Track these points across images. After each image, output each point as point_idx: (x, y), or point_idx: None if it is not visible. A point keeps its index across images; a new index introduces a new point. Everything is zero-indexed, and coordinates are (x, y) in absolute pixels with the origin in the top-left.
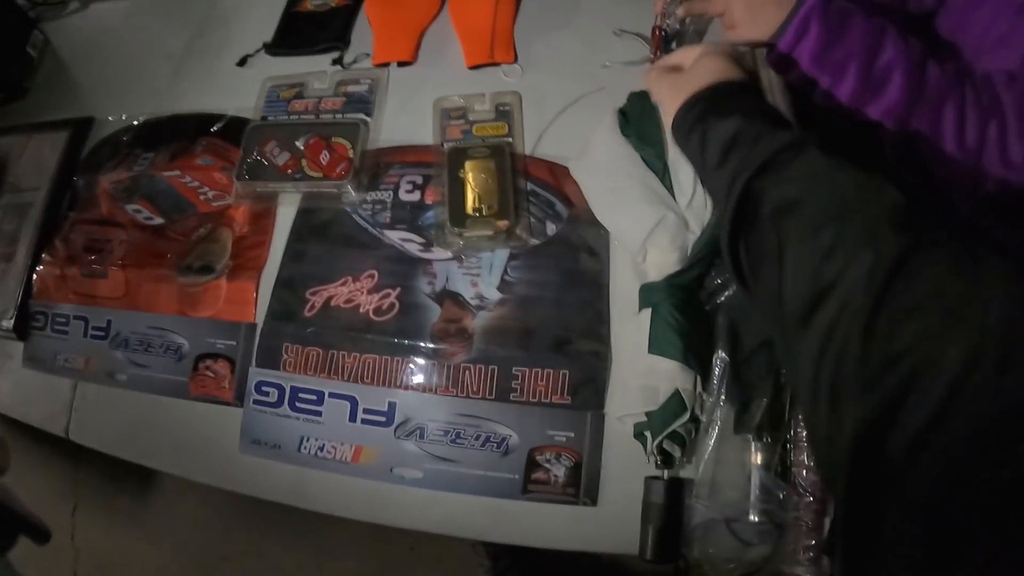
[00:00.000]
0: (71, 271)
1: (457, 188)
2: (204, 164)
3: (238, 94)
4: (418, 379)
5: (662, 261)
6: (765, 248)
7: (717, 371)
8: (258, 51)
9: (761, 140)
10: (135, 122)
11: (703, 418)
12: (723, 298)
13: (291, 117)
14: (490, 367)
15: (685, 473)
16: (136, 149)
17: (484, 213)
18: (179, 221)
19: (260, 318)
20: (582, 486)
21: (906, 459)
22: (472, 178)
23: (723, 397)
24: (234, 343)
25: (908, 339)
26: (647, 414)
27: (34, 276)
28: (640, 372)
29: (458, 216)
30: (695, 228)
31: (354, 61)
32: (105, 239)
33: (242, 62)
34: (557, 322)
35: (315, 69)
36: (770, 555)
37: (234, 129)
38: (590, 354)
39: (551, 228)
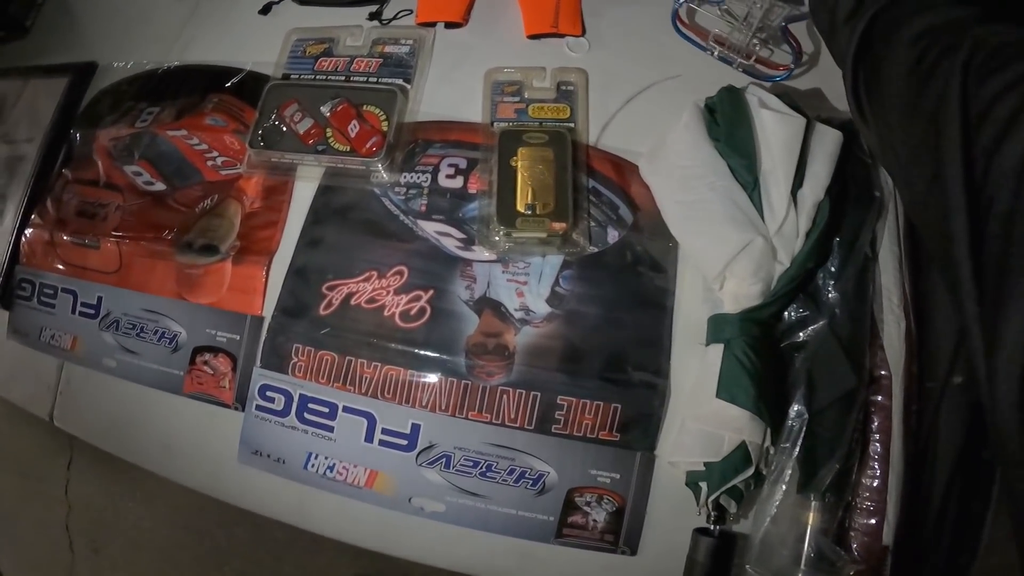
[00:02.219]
0: (60, 237)
1: (508, 179)
2: (214, 125)
3: (258, 46)
4: (447, 399)
5: (741, 292)
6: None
7: (795, 427)
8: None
9: None
10: (141, 71)
11: (766, 473)
12: (801, 337)
13: (317, 77)
14: (532, 393)
15: (736, 528)
16: (140, 103)
17: (537, 212)
18: (182, 189)
19: (268, 311)
20: (623, 533)
21: None
22: (526, 169)
23: (796, 455)
24: (237, 337)
25: None
26: (705, 463)
27: (23, 239)
28: (702, 416)
29: (507, 213)
30: (783, 259)
31: (394, 17)
32: (99, 203)
33: (265, 10)
34: (611, 346)
35: (348, 23)
36: None
37: (251, 87)
38: (645, 387)
39: (612, 235)
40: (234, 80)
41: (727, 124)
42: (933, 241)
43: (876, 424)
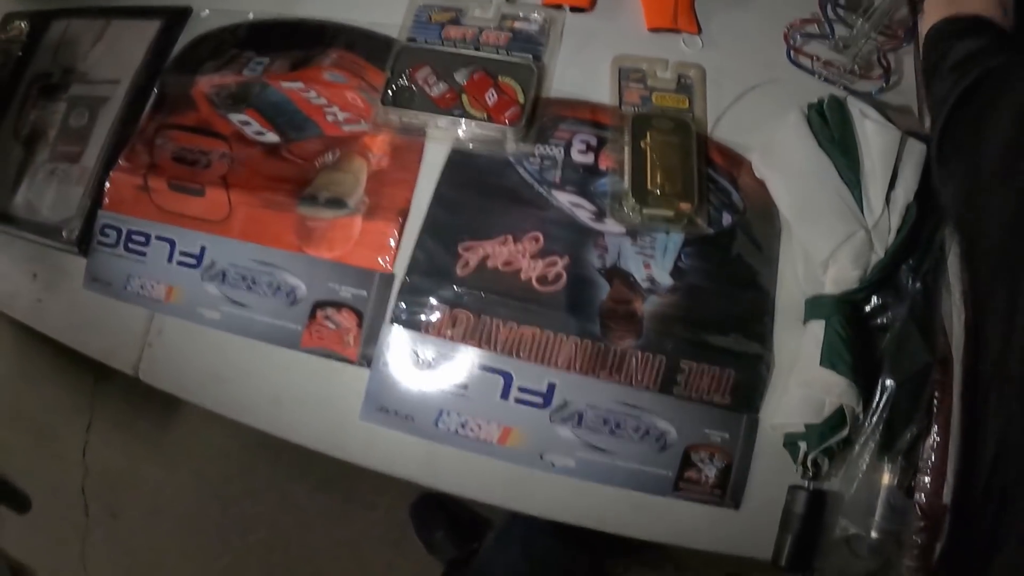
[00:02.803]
0: (156, 182)
1: (639, 160)
2: (333, 80)
3: (377, 6)
4: (581, 360)
5: (842, 276)
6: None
7: (884, 397)
8: None
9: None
10: (246, 20)
11: (854, 436)
12: (885, 319)
13: (445, 43)
14: (658, 357)
15: (828, 486)
16: (246, 51)
17: (666, 191)
18: (298, 141)
19: (399, 268)
20: (729, 488)
21: None
22: (656, 151)
23: (882, 421)
24: (364, 293)
25: None
26: (806, 425)
27: (106, 183)
28: (804, 381)
29: (640, 191)
30: (879, 249)
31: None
32: (201, 151)
33: None
34: (725, 318)
35: None
36: (878, 571)
37: (371, 47)
38: (754, 356)
39: (726, 219)
40: (354, 38)
41: (837, 129)
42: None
43: (939, 399)
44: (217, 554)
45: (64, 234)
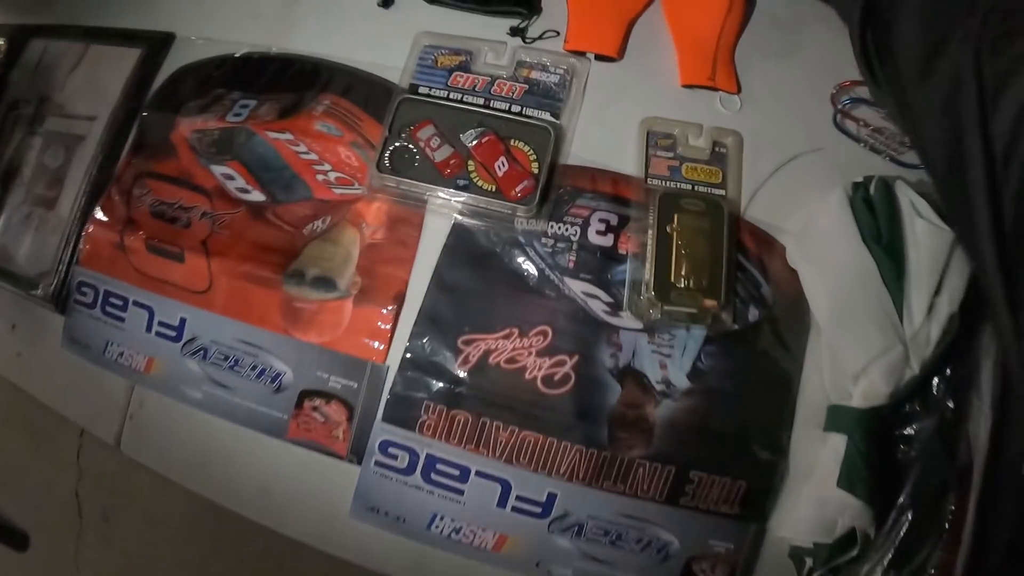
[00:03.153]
0: (133, 241)
1: (664, 247)
2: (326, 132)
3: (378, 44)
4: (585, 469)
5: (872, 391)
6: None
7: (903, 527)
8: None
9: None
10: (235, 54)
11: (867, 557)
12: (909, 430)
13: (451, 94)
14: (667, 468)
15: None
16: (232, 92)
17: (691, 286)
18: (286, 204)
19: (393, 360)
20: None
21: None
22: (683, 238)
23: (895, 545)
24: (354, 385)
25: None
26: (815, 542)
27: (84, 235)
28: (819, 499)
29: (663, 284)
30: (914, 364)
31: (539, 37)
32: (181, 206)
33: (386, 1)
34: (743, 424)
35: (488, 37)
36: None
37: (369, 93)
38: (769, 465)
39: (753, 313)
40: (351, 83)
41: (884, 223)
42: (954, 203)
43: (954, 511)
44: (209, 563)
45: (40, 290)
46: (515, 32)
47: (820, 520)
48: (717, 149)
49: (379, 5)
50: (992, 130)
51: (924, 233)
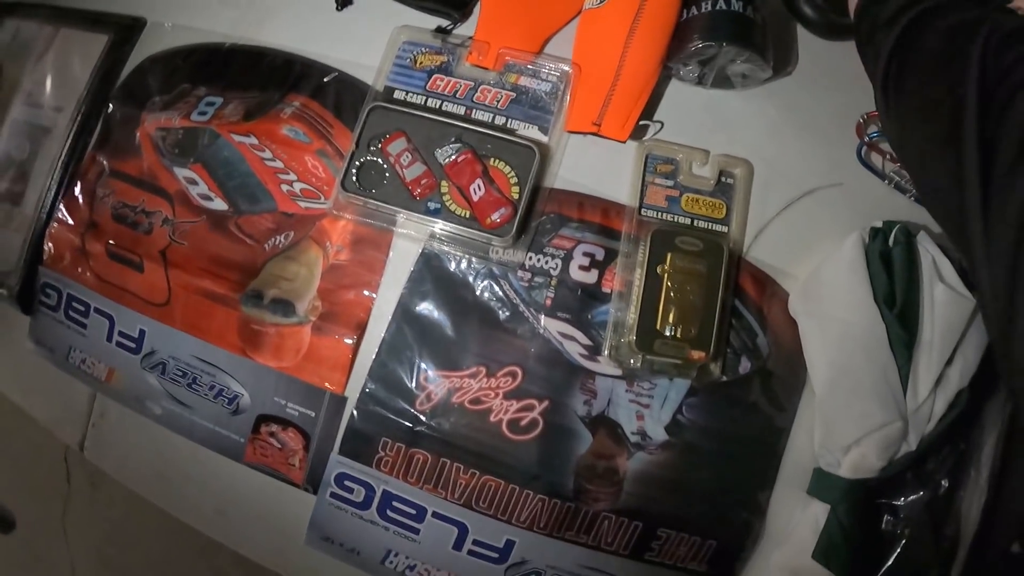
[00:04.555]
0: (95, 245)
1: (652, 290)
2: (292, 137)
3: (353, 39)
4: (546, 519)
5: (862, 464)
6: None
7: None
8: None
9: None
10: (203, 44)
11: None
12: (898, 501)
13: (430, 100)
14: (634, 523)
15: None
16: (198, 87)
17: (679, 335)
18: (249, 214)
19: (353, 391)
20: None
21: None
22: (675, 281)
23: None
24: (312, 414)
25: None
26: None
27: (48, 234)
28: (791, 568)
29: (647, 332)
30: (911, 440)
31: (461, 44)
32: (143, 210)
33: (341, 3)
34: (719, 481)
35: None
36: None
37: (341, 95)
38: (743, 525)
39: (745, 365)
40: (324, 81)
41: (902, 293)
42: (950, 223)
43: None
44: (195, 532)
45: (4, 289)
46: (440, 31)
47: None
48: (724, 179)
49: (336, 8)
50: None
51: (943, 300)
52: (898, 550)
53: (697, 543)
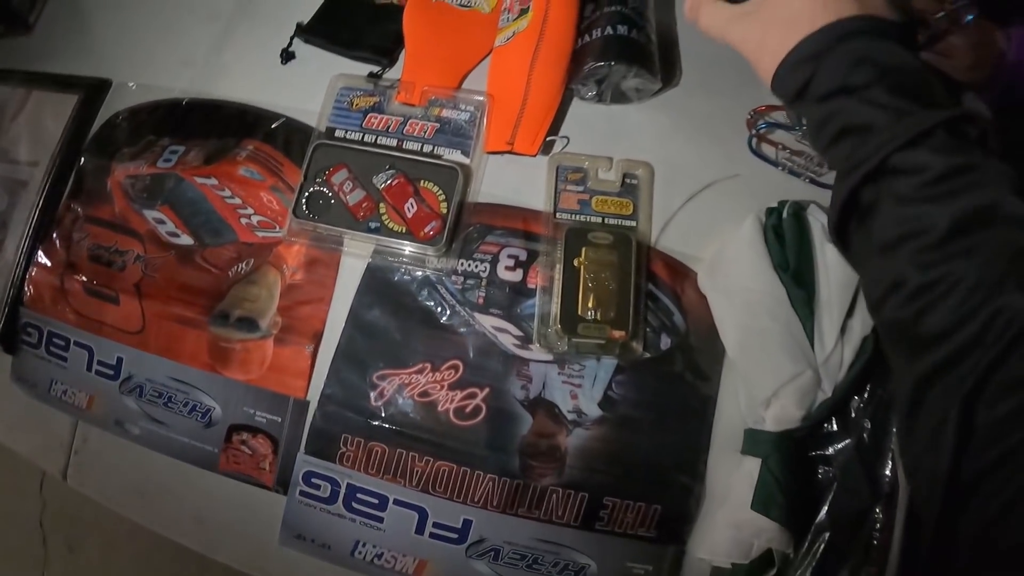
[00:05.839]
0: (72, 284)
1: (571, 281)
2: (249, 177)
3: (297, 88)
4: (499, 497)
5: (784, 416)
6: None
7: (820, 547)
8: (293, 37)
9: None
10: (165, 100)
11: (786, 573)
12: (828, 451)
13: (366, 136)
14: (580, 494)
15: None
16: (162, 138)
17: (599, 317)
18: (213, 247)
19: (313, 394)
20: None
21: None
22: (590, 272)
23: (813, 565)
24: (278, 419)
25: None
26: (733, 563)
27: (28, 278)
28: (734, 522)
29: (569, 317)
30: (826, 387)
31: (390, 87)
32: (117, 250)
33: (285, 57)
34: (656, 450)
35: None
36: None
37: (289, 137)
38: (683, 489)
39: (665, 342)
40: (272, 127)
41: (794, 257)
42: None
43: (879, 538)
44: None
45: None
46: (371, 76)
47: (736, 542)
48: (628, 181)
49: (281, 61)
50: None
51: (834, 259)
52: (831, 495)
53: (642, 509)
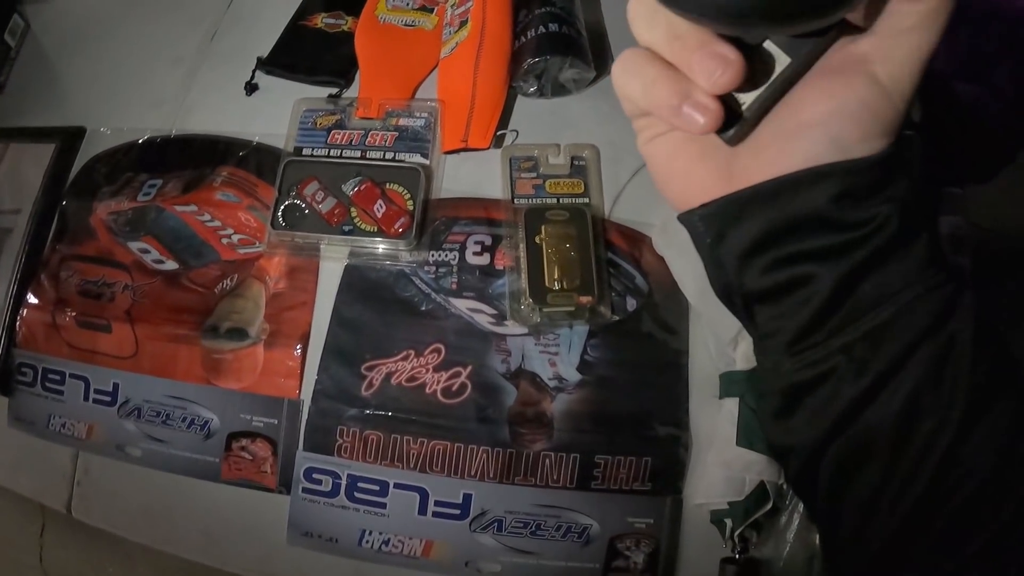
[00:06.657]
0: (64, 319)
1: (535, 256)
2: (226, 200)
3: (263, 115)
4: (494, 468)
5: (751, 352)
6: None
7: None
8: (255, 70)
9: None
10: (139, 140)
11: (781, 506)
12: None
13: (332, 151)
14: (571, 455)
15: (758, 555)
16: (140, 174)
17: (565, 287)
18: (197, 268)
19: (306, 394)
20: (660, 571)
21: None
22: (551, 246)
23: None
24: (275, 422)
25: None
26: (730, 502)
27: (18, 320)
28: (723, 461)
29: (538, 289)
30: None
31: (350, 104)
32: (104, 283)
33: (249, 89)
34: (638, 406)
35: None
36: None
37: (261, 160)
38: (670, 439)
39: (631, 303)
40: (243, 153)
41: None
42: None
43: None
44: None
45: None
46: (331, 97)
47: (728, 480)
48: (576, 163)
49: (245, 93)
50: None
51: None
52: None
53: (634, 463)
